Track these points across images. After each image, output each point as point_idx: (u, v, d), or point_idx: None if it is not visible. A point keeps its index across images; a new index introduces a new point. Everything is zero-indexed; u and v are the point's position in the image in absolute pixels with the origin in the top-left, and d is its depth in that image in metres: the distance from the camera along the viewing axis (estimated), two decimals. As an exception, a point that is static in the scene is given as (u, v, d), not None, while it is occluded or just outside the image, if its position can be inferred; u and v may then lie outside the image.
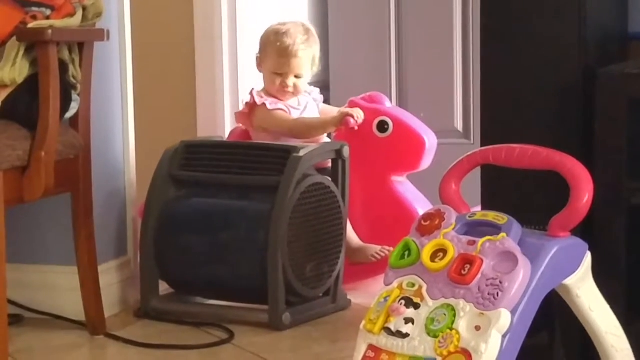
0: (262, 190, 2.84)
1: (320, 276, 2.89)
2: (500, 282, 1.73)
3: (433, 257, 1.81)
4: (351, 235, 3.09)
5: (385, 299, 1.82)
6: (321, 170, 2.96)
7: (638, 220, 2.14)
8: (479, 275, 1.75)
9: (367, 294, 3.05)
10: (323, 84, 3.79)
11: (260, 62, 3.15)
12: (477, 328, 1.71)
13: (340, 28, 4.07)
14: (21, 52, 2.50)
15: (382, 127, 3.18)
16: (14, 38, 2.51)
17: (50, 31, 2.48)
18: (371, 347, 1.81)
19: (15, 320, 2.81)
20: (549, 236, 1.81)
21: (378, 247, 3.09)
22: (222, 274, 2.86)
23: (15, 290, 2.73)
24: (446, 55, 3.95)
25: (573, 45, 2.19)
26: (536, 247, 1.77)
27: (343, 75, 4.04)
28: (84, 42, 2.64)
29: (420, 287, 1.80)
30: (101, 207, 2.85)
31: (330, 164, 2.99)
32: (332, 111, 3.21)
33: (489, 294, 1.72)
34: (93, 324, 2.74)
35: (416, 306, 1.78)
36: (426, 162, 3.18)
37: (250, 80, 3.84)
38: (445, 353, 1.72)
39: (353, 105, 3.20)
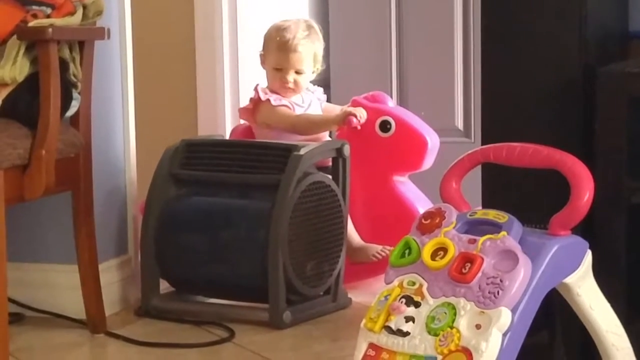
0: (262, 189, 2.84)
1: (321, 275, 2.89)
2: (501, 281, 1.73)
3: (434, 256, 1.81)
4: (352, 234, 3.09)
5: (386, 297, 1.82)
6: (322, 169, 2.96)
7: (638, 219, 2.14)
8: (480, 274, 1.75)
9: (368, 293, 3.05)
10: (324, 82, 3.79)
11: (264, 60, 3.16)
12: (478, 326, 1.71)
13: (340, 26, 4.08)
14: (22, 51, 2.50)
15: (385, 126, 3.18)
16: (15, 36, 2.51)
17: (50, 30, 2.48)
18: (372, 345, 1.81)
19: (15, 318, 2.81)
20: (550, 235, 1.81)
21: (379, 247, 3.09)
22: (222, 273, 2.86)
23: (15, 288, 2.73)
24: (447, 54, 3.95)
25: (573, 44, 2.19)
26: (537, 245, 1.77)
27: (344, 74, 4.04)
28: (84, 41, 2.64)
29: (421, 285, 1.80)
30: (102, 206, 2.85)
31: (330, 163, 2.99)
32: (335, 110, 3.21)
33: (489, 293, 1.72)
34: (94, 322, 2.74)
35: (417, 305, 1.78)
36: (428, 162, 3.18)
37: (251, 79, 3.84)
38: (445, 351, 1.72)
39: (356, 104, 3.20)
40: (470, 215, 1.85)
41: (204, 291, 2.97)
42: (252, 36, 3.89)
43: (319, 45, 3.15)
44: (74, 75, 2.62)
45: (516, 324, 1.72)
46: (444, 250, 1.81)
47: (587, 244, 1.84)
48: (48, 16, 2.57)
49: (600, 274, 1.87)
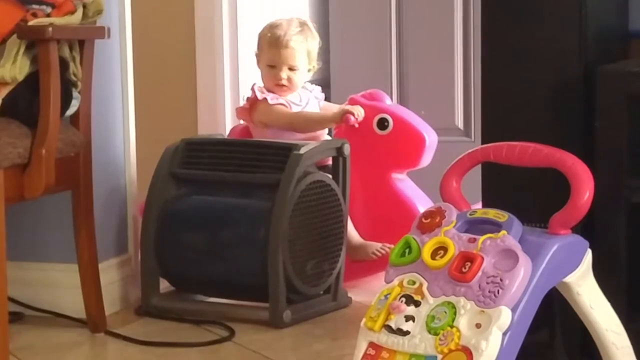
0: (262, 188, 2.84)
1: (321, 274, 2.89)
2: (501, 280, 1.73)
3: (434, 255, 1.81)
4: (352, 232, 3.09)
5: (386, 296, 1.82)
6: (321, 168, 2.96)
7: (638, 218, 2.14)
8: (480, 273, 1.75)
9: (368, 292, 3.05)
10: (323, 81, 3.79)
11: (258, 59, 3.16)
12: (478, 325, 1.71)
13: (341, 26, 4.08)
14: (22, 50, 2.50)
15: (382, 124, 3.18)
16: (15, 36, 2.51)
17: (50, 29, 2.48)
18: (372, 344, 1.81)
19: (15, 317, 2.81)
20: (550, 234, 1.81)
21: (379, 245, 3.09)
22: (222, 272, 2.86)
23: (15, 287, 2.73)
24: (447, 53, 3.95)
25: (573, 43, 2.19)
26: (537, 244, 1.77)
27: (344, 73, 4.04)
28: (84, 40, 2.64)
29: (421, 284, 1.80)
30: (102, 205, 2.85)
31: (330, 162, 2.99)
32: (333, 108, 3.21)
33: (489, 292, 1.72)
34: (94, 321, 2.74)
35: (417, 304, 1.78)
36: (426, 159, 3.19)
37: (251, 78, 3.84)
38: (445, 350, 1.72)
39: (353, 102, 3.20)
40: (470, 215, 1.85)
41: (204, 290, 2.97)
42: (252, 35, 3.87)
43: (312, 43, 3.15)
44: (74, 75, 2.62)
45: (516, 323, 1.72)
46: (444, 249, 1.81)
47: (587, 243, 1.84)
48: (48, 15, 2.57)
49: (600, 273, 1.87)
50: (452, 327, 1.73)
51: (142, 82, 3.35)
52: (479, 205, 2.19)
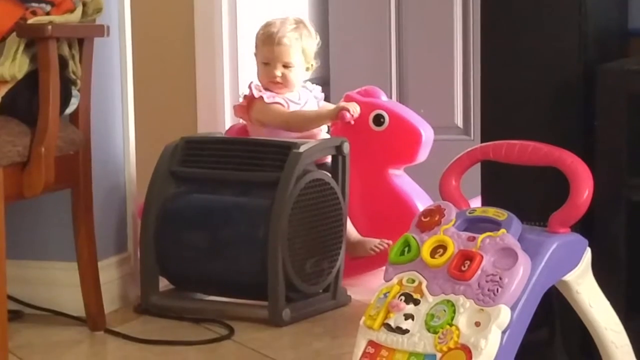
0: (262, 186, 2.84)
1: (320, 272, 2.89)
2: (500, 278, 1.73)
3: (433, 253, 1.81)
4: (350, 229, 3.09)
5: (385, 295, 1.82)
6: (319, 166, 2.96)
7: (638, 217, 2.14)
8: (479, 272, 1.75)
9: (367, 290, 3.05)
10: (323, 80, 3.79)
11: (256, 58, 3.17)
12: (477, 324, 1.71)
13: (340, 24, 4.07)
14: (21, 48, 2.50)
15: (378, 120, 3.18)
16: (14, 34, 2.51)
17: (50, 27, 2.48)
18: (371, 343, 1.81)
19: (15, 316, 2.81)
20: (549, 232, 1.81)
21: (377, 241, 3.10)
22: (222, 270, 2.86)
23: (15, 286, 2.73)
24: (446, 52, 3.95)
25: (573, 41, 2.19)
26: (536, 243, 1.77)
27: (343, 72, 4.04)
28: (84, 38, 2.64)
29: (420, 283, 1.80)
30: (101, 203, 2.85)
31: (328, 160, 2.99)
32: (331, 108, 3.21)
33: (488, 290, 1.72)
34: (93, 319, 2.74)
35: (416, 302, 1.78)
36: (423, 154, 3.19)
37: (250, 76, 3.84)
38: (444, 349, 1.72)
39: (349, 99, 3.20)
40: (469, 213, 1.85)
41: (203, 289, 2.97)
42: (252, 34, 3.88)
43: (308, 41, 3.15)
44: (74, 73, 2.62)
45: (515, 322, 1.72)
46: (444, 247, 1.81)
47: (586, 242, 1.84)
48: (47, 13, 2.57)
49: (600, 272, 1.87)
50: (451, 325, 1.73)
51: (142, 80, 3.35)
52: (476, 201, 2.20)
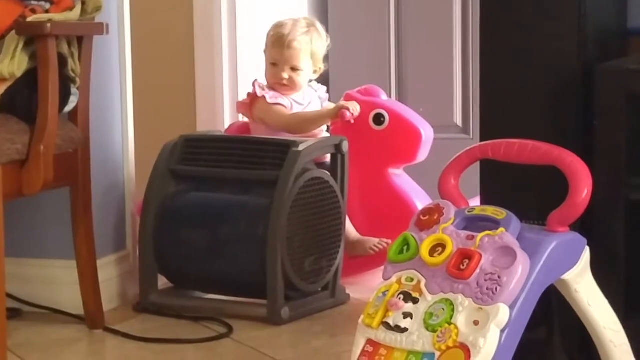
0: (261, 185, 2.84)
1: (319, 271, 2.89)
2: (499, 277, 1.73)
3: (432, 252, 1.81)
4: (349, 228, 3.09)
5: (384, 293, 1.82)
6: (319, 165, 2.96)
7: (637, 216, 2.14)
8: (478, 270, 1.75)
9: (366, 289, 3.05)
10: (323, 79, 3.79)
11: (265, 56, 3.17)
12: (476, 323, 1.71)
13: (340, 22, 4.07)
14: (20, 46, 2.50)
15: (378, 119, 3.18)
16: (14, 31, 2.51)
17: (49, 25, 2.48)
18: (370, 341, 1.81)
19: (13, 314, 2.81)
20: (548, 231, 1.81)
21: (376, 240, 3.09)
22: (221, 269, 2.86)
23: (14, 284, 2.73)
24: (446, 50, 3.95)
25: (572, 40, 2.19)
26: (535, 242, 1.77)
27: (343, 70, 4.04)
28: (83, 36, 2.64)
29: (419, 281, 1.80)
30: (100, 201, 2.85)
31: (328, 159, 2.99)
32: None
33: (487, 289, 1.72)
34: (92, 318, 2.74)
35: (415, 301, 1.79)
36: (423, 154, 3.19)
37: (250, 74, 3.84)
38: (443, 347, 1.72)
39: (349, 98, 3.20)
40: (468, 212, 1.85)
41: (202, 287, 2.97)
42: (251, 32, 3.88)
43: (319, 44, 3.15)
44: (73, 71, 2.62)
45: (514, 321, 1.72)
46: (442, 246, 1.81)
47: (585, 241, 1.84)
48: (47, 11, 2.57)
49: (599, 271, 1.87)
50: (450, 324, 1.73)
51: (141, 78, 3.35)
52: (476, 201, 2.20)
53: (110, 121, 2.98)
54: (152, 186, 2.93)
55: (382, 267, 1.87)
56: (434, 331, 1.74)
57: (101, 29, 2.68)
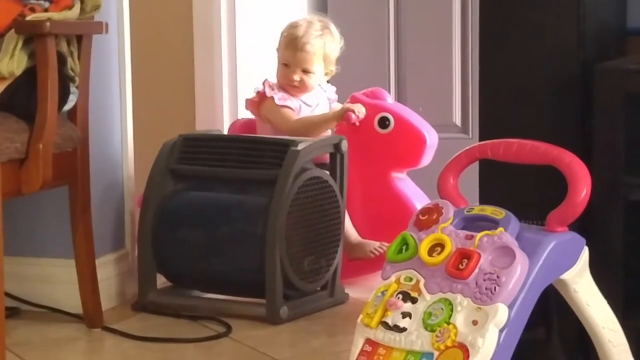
0: (260, 184, 2.84)
1: (318, 270, 2.89)
2: (498, 277, 1.73)
3: (431, 252, 1.81)
4: (350, 230, 3.09)
5: (383, 293, 1.82)
6: (321, 166, 2.95)
7: (635, 216, 2.15)
8: (477, 270, 1.75)
9: (365, 288, 3.05)
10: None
11: (278, 54, 3.16)
12: (475, 322, 1.71)
13: (339, 22, 4.06)
14: (19, 45, 2.50)
15: (383, 123, 3.17)
16: (13, 30, 2.51)
17: (48, 24, 2.47)
18: (368, 341, 1.81)
19: (12, 313, 2.81)
20: (547, 231, 1.81)
21: (377, 243, 3.09)
22: (219, 268, 2.86)
23: (12, 282, 2.73)
24: (445, 50, 3.95)
25: (571, 40, 2.19)
26: (534, 241, 1.77)
27: (342, 70, 4.03)
28: (82, 35, 2.64)
29: (418, 281, 1.80)
30: (99, 200, 2.85)
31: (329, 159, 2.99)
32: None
33: (486, 289, 1.73)
34: (90, 317, 2.74)
35: (413, 300, 1.79)
36: (427, 159, 3.17)
37: (249, 73, 3.84)
38: (442, 347, 1.72)
39: (355, 100, 3.19)
40: (467, 211, 1.85)
41: (201, 286, 2.97)
42: (250, 31, 3.88)
43: (332, 47, 3.14)
44: (72, 70, 2.62)
45: (513, 320, 1.72)
46: (441, 246, 1.81)
47: (584, 241, 1.84)
48: (46, 10, 2.57)
49: (597, 271, 1.87)
50: (448, 324, 1.73)
51: (140, 77, 3.35)
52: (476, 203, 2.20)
53: (110, 120, 2.98)
54: (151, 185, 2.93)
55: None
56: (432, 331, 1.74)
57: (100, 28, 2.68)
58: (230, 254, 2.83)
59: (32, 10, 2.55)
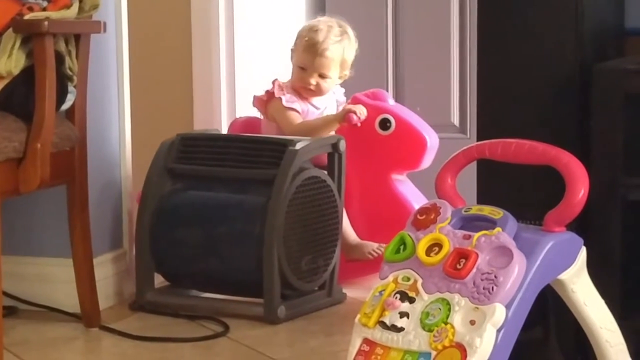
0: (258, 184, 2.84)
1: (316, 270, 2.89)
2: (495, 277, 1.73)
3: (428, 252, 1.81)
4: (348, 231, 3.09)
5: (381, 292, 1.82)
6: (322, 167, 2.95)
7: (633, 216, 2.15)
8: (474, 270, 1.75)
9: (363, 288, 3.05)
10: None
11: (292, 55, 3.16)
12: (472, 322, 1.71)
13: (337, 22, 4.07)
14: (17, 44, 2.50)
15: (385, 124, 3.16)
16: (11, 29, 2.50)
17: (46, 23, 2.47)
18: (366, 340, 1.81)
19: (10, 312, 2.81)
20: (545, 231, 1.81)
21: (375, 245, 3.08)
22: (217, 267, 2.86)
23: (10, 282, 2.73)
24: (443, 49, 3.95)
25: (570, 40, 2.19)
26: (531, 241, 1.77)
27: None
28: (80, 34, 2.64)
29: (416, 281, 1.80)
30: (97, 200, 2.85)
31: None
32: None
33: (484, 289, 1.73)
34: (88, 316, 2.74)
35: (411, 300, 1.79)
36: (427, 161, 3.16)
37: (247, 73, 3.84)
38: (439, 347, 1.72)
39: (356, 101, 3.18)
40: (465, 211, 1.85)
41: (198, 286, 2.97)
42: (249, 30, 3.88)
43: (349, 52, 3.14)
44: (70, 69, 2.62)
45: (510, 320, 1.72)
46: (439, 246, 1.81)
47: (581, 241, 1.84)
48: (44, 9, 2.57)
49: (595, 271, 1.87)
50: (446, 323, 1.73)
51: (138, 76, 3.34)
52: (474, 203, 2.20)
53: (107, 119, 2.98)
54: (149, 184, 2.93)
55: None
56: (430, 331, 1.74)
57: (98, 27, 2.68)
58: (228, 253, 2.83)
59: (30, 9, 2.55)
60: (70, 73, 2.62)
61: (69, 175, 2.66)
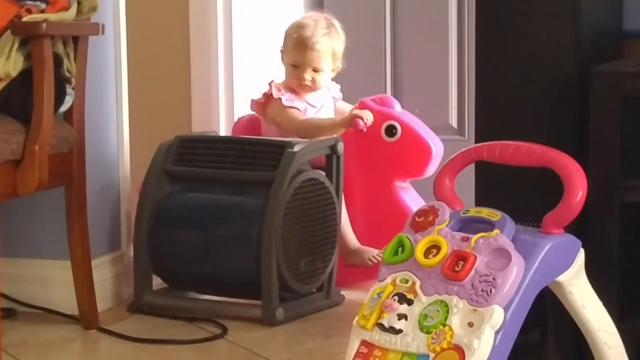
0: (256, 186, 2.84)
1: (314, 272, 2.89)
2: (494, 279, 1.73)
3: (427, 254, 1.81)
4: (349, 236, 3.08)
5: (379, 294, 1.82)
6: (320, 169, 2.95)
7: (631, 218, 2.15)
8: (473, 272, 1.75)
9: (361, 290, 3.05)
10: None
11: (282, 56, 3.16)
12: (470, 324, 1.71)
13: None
14: (15, 46, 2.50)
15: (390, 131, 3.15)
16: (9, 31, 2.50)
17: (44, 25, 2.47)
18: (364, 342, 1.81)
19: (8, 314, 2.81)
20: (543, 233, 1.81)
21: (375, 251, 3.07)
22: (215, 269, 2.86)
23: (8, 284, 2.73)
24: (441, 51, 3.95)
25: (568, 42, 2.19)
26: (529, 243, 1.77)
27: (338, 72, 4.04)
28: (78, 36, 2.64)
29: (414, 283, 1.80)
30: (95, 202, 2.85)
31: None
32: (347, 110, 3.19)
33: (482, 291, 1.73)
34: (86, 318, 2.74)
35: (409, 302, 1.79)
36: (431, 169, 3.15)
37: (246, 75, 3.84)
38: (438, 349, 1.72)
39: (363, 106, 3.17)
40: (463, 213, 1.85)
41: (196, 287, 2.97)
42: (247, 32, 3.88)
43: (338, 43, 3.15)
44: (68, 71, 2.62)
45: (508, 322, 1.72)
46: (437, 248, 1.81)
47: (579, 243, 1.84)
48: (42, 11, 2.57)
49: (593, 273, 1.87)
50: (444, 325, 1.73)
51: (136, 79, 3.34)
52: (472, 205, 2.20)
53: (106, 121, 2.98)
54: (147, 187, 2.93)
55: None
56: (428, 333, 1.74)
57: (97, 29, 2.68)
58: (226, 255, 2.83)
59: (29, 11, 2.55)
60: (68, 75, 2.62)
61: (67, 177, 2.66)
